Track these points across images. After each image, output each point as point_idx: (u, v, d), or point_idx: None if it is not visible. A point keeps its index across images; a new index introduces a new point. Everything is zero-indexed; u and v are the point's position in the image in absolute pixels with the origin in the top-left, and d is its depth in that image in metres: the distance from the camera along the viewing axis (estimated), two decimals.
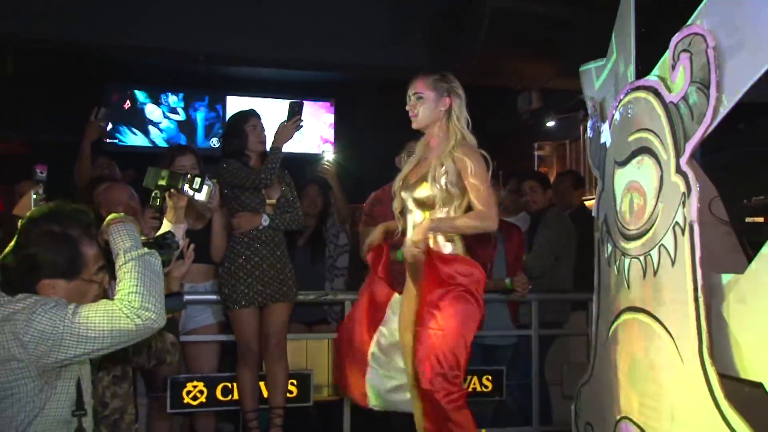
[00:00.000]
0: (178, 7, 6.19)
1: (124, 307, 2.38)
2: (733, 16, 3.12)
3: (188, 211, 4.66)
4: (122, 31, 6.19)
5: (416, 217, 3.80)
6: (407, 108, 3.85)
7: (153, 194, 3.22)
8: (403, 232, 3.93)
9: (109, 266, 2.64)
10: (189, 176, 3.31)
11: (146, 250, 2.56)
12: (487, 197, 3.65)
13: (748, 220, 3.39)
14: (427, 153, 3.86)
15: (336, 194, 5.71)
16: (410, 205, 3.83)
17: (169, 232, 3.09)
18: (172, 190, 3.24)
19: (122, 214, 2.70)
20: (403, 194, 3.86)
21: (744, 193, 3.44)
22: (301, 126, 4.81)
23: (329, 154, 5.83)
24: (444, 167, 3.68)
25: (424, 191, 3.73)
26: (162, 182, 3.23)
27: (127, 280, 2.44)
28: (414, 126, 3.85)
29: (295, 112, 4.78)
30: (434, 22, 6.66)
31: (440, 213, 3.72)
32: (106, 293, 2.66)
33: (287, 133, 4.71)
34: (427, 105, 3.79)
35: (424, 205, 3.75)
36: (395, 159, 5.02)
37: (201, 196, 3.33)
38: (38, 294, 2.48)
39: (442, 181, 3.68)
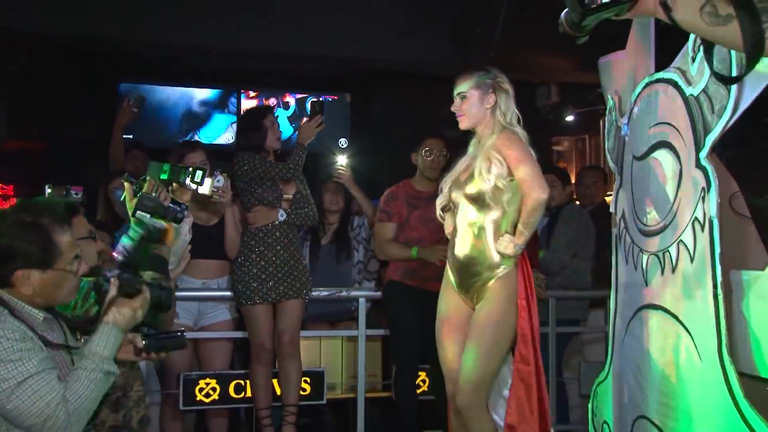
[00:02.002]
0: (191, 2, 6.21)
1: (63, 410, 2.38)
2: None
3: (202, 207, 4.72)
4: (134, 27, 6.21)
5: (469, 215, 3.76)
6: (453, 108, 3.82)
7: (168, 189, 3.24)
8: (452, 231, 3.89)
9: None
10: (191, 169, 3.33)
11: (115, 369, 2.54)
12: (531, 174, 3.64)
13: None
14: (477, 151, 3.80)
15: (358, 198, 5.69)
16: (462, 202, 3.78)
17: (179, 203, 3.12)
18: (174, 184, 3.25)
19: (120, 320, 2.60)
20: (454, 193, 3.82)
21: (766, 188, 3.42)
22: (323, 125, 4.85)
23: (342, 158, 5.78)
24: (491, 162, 3.67)
25: (474, 187, 3.69)
26: (164, 176, 3.24)
27: (83, 388, 2.44)
28: (461, 126, 3.82)
29: (316, 111, 4.86)
30: (452, 16, 6.64)
31: (494, 209, 3.69)
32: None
33: (309, 131, 4.78)
34: (471, 103, 3.76)
35: (476, 201, 3.71)
36: (411, 156, 5.01)
37: (203, 189, 3.36)
38: (14, 287, 2.49)
39: (492, 176, 3.65)
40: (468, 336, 3.72)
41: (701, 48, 3.30)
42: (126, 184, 3.18)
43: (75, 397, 2.41)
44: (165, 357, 3.17)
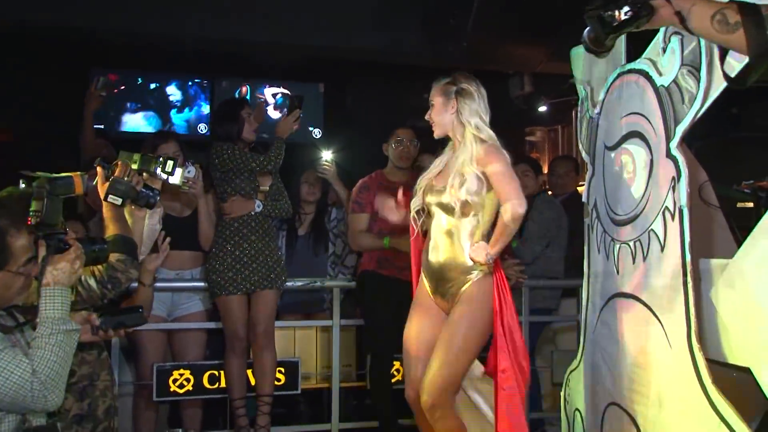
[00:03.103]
0: None
1: (36, 382, 2.37)
2: None
3: (175, 198, 4.71)
4: (106, 14, 6.17)
5: (442, 221, 3.76)
6: (426, 117, 3.86)
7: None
8: (424, 233, 3.92)
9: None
10: (161, 159, 3.34)
11: (73, 325, 2.52)
12: (512, 190, 3.62)
13: (739, 205, 3.40)
14: (452, 162, 3.79)
15: (341, 194, 5.69)
16: (435, 209, 3.80)
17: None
18: (144, 174, 3.24)
19: (60, 276, 2.57)
20: (428, 198, 3.82)
21: (735, 178, 3.46)
22: (300, 119, 4.89)
23: (327, 154, 5.79)
24: (464, 177, 3.67)
25: (446, 197, 3.69)
26: (134, 166, 3.24)
27: (48, 354, 2.42)
28: (434, 135, 3.85)
29: (295, 106, 4.87)
30: (426, 6, 6.66)
31: (466, 218, 3.71)
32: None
33: (288, 125, 4.80)
34: (436, 111, 3.78)
35: (448, 210, 3.72)
36: (383, 146, 5.04)
37: (174, 180, 3.37)
38: None
39: (462, 192, 3.65)
40: (439, 338, 3.74)
41: (671, 38, 3.35)
42: (98, 169, 3.17)
43: (42, 365, 2.39)
44: (123, 335, 3.10)
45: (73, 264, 2.57)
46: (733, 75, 2.75)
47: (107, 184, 3.09)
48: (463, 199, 3.65)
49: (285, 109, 4.97)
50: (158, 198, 3.24)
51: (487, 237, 3.72)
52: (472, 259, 3.69)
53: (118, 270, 3.03)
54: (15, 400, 2.37)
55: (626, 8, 2.19)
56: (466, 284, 3.71)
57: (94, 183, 3.21)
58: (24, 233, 2.53)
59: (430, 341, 3.76)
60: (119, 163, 3.16)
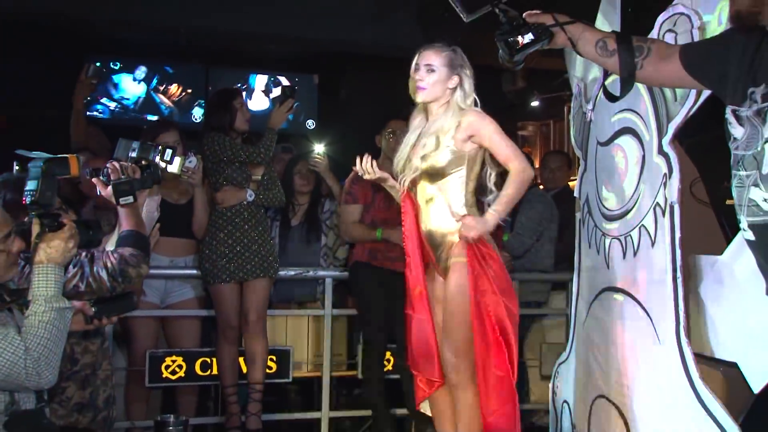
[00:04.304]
0: None
1: (30, 360, 2.38)
2: None
3: (173, 186, 4.71)
4: (101, 2, 6.17)
5: (427, 189, 3.66)
6: (417, 77, 3.64)
7: (139, 162, 3.23)
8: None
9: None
10: (160, 148, 3.33)
11: (66, 303, 2.53)
12: (512, 149, 3.58)
13: (728, 202, 3.43)
14: (428, 127, 3.70)
15: (333, 187, 5.67)
16: (419, 178, 3.68)
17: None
18: (142, 162, 3.24)
19: (54, 254, 2.58)
20: (408, 173, 3.71)
21: (725, 175, 3.49)
22: (294, 109, 4.88)
23: (319, 147, 5.78)
24: (440, 141, 3.60)
25: (433, 160, 3.61)
26: (133, 153, 3.24)
27: (41, 331, 2.43)
28: (419, 99, 3.66)
29: (287, 96, 4.86)
30: (420, 0, 6.67)
31: (451, 181, 3.62)
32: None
33: (280, 116, 4.81)
34: (438, 79, 3.62)
35: (435, 176, 3.63)
36: (376, 138, 5.04)
37: (172, 168, 3.36)
38: None
39: (452, 144, 3.58)
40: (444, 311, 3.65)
41: (665, 36, 3.38)
42: (94, 180, 3.16)
43: (35, 343, 2.40)
44: (115, 322, 3.10)
45: (66, 242, 2.57)
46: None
47: (110, 189, 3.08)
48: (456, 150, 3.59)
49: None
50: (159, 172, 3.24)
51: (474, 195, 3.68)
52: (461, 236, 3.55)
53: (130, 264, 3.00)
54: (9, 377, 2.38)
55: (528, 34, 2.59)
56: (453, 246, 3.61)
57: (89, 172, 3.21)
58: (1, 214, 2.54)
59: None
60: (109, 166, 3.14)
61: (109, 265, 2.96)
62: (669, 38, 3.32)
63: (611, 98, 3.69)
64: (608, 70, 2.78)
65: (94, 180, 3.13)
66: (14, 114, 7.23)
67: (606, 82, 3.78)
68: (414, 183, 3.72)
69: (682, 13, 3.28)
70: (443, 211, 3.64)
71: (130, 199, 2.98)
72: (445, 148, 3.59)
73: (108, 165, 3.13)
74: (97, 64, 5.68)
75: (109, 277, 2.95)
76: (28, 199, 2.61)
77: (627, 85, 2.73)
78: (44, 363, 2.41)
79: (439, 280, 3.71)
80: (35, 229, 2.56)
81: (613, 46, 2.58)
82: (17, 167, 3.59)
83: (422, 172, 3.66)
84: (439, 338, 3.66)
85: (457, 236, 3.58)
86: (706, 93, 3.19)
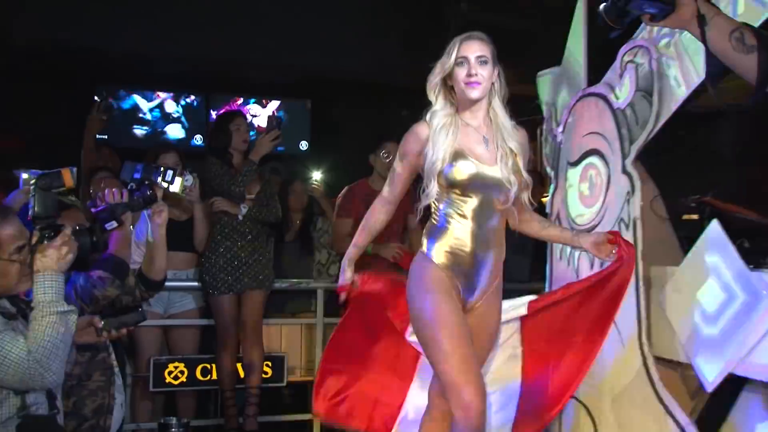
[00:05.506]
0: (163, 14, 6.22)
1: (32, 361, 2.41)
2: (673, 31, 3.24)
3: (175, 203, 4.75)
4: (111, 35, 6.22)
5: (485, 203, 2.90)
6: (472, 72, 2.86)
7: (129, 186, 3.26)
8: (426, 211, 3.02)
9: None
10: (162, 169, 3.37)
11: (67, 307, 2.54)
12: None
13: (684, 217, 3.50)
14: (485, 131, 2.96)
15: (327, 211, 5.70)
16: (476, 186, 2.88)
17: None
18: (146, 182, 3.28)
19: (48, 262, 2.58)
20: (467, 171, 2.87)
21: (682, 192, 3.56)
22: (279, 138, 4.88)
23: (317, 174, 5.78)
24: (515, 154, 2.94)
25: (500, 173, 2.89)
26: (137, 174, 3.29)
27: (41, 335, 2.45)
28: (477, 95, 2.89)
29: (273, 126, 4.86)
30: (405, 28, 6.72)
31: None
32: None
33: (265, 146, 4.79)
34: (489, 73, 2.89)
35: (500, 189, 2.90)
36: (370, 157, 5.04)
37: (174, 188, 3.40)
38: None
39: (516, 165, 2.93)
40: (486, 334, 3.03)
41: (627, 66, 3.46)
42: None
43: (37, 346, 2.42)
44: (126, 333, 3.06)
45: (59, 250, 2.57)
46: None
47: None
48: (522, 179, 2.92)
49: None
50: (154, 191, 3.25)
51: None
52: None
53: (96, 287, 3.04)
54: (16, 377, 2.41)
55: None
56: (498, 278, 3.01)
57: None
58: (12, 223, 2.56)
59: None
60: (99, 194, 3.16)
61: (78, 287, 2.99)
62: (630, 68, 3.41)
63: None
64: (734, 68, 1.96)
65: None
66: (29, 135, 7.22)
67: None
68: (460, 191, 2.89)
69: (642, 46, 3.36)
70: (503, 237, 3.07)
71: (114, 224, 2.97)
72: (515, 171, 2.92)
73: (99, 193, 3.15)
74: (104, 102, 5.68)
75: (77, 298, 2.97)
76: (30, 214, 2.64)
77: (760, 90, 1.98)
78: (46, 364, 2.43)
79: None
80: (35, 240, 2.58)
81: (752, 41, 1.93)
82: (25, 176, 3.60)
83: (490, 180, 2.90)
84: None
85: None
86: (665, 118, 3.28)
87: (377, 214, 3.12)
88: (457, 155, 2.85)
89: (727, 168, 4.56)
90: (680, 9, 1.89)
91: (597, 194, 3.63)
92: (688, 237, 3.18)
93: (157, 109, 7.58)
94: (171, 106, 7.66)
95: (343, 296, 3.19)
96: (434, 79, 2.96)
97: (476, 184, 2.86)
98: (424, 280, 2.87)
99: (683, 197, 3.52)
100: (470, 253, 2.88)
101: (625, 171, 3.44)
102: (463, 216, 2.87)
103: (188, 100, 7.66)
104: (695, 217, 3.39)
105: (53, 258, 2.55)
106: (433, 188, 2.87)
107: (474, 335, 2.84)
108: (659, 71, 3.28)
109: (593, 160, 3.68)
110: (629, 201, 3.39)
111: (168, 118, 7.63)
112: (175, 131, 7.60)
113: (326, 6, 6.48)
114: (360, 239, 3.11)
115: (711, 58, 1.95)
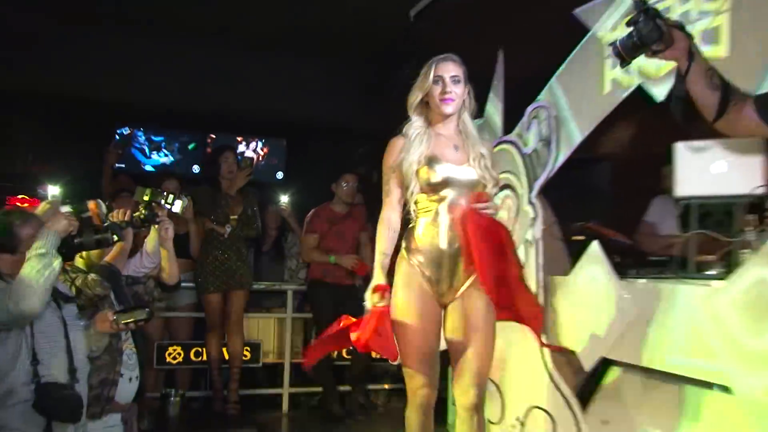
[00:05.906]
0: (170, 68, 6.25)
1: (12, 292, 2.39)
2: (567, 96, 3.41)
3: (175, 220, 4.77)
4: (125, 85, 6.22)
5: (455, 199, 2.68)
6: (447, 90, 2.70)
7: (141, 206, 3.29)
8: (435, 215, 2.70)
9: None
10: (166, 193, 3.42)
11: (45, 251, 2.47)
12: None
13: (574, 238, 3.63)
14: (456, 139, 2.76)
15: (293, 226, 5.69)
16: (450, 185, 2.68)
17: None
18: (153, 204, 3.32)
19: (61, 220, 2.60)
20: (439, 172, 2.67)
21: (572, 219, 3.71)
22: (251, 175, 4.91)
23: (285, 197, 5.75)
24: (485, 155, 2.75)
25: (474, 173, 2.70)
26: (146, 197, 3.33)
27: (24, 270, 2.43)
28: (449, 111, 2.72)
29: (247, 165, 4.90)
30: (362, 86, 6.75)
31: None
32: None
33: (238, 182, 4.82)
34: (463, 91, 2.73)
35: (472, 186, 2.71)
36: (332, 186, 5.06)
37: (175, 209, 3.44)
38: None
39: (486, 166, 2.74)
40: (474, 326, 2.67)
41: (533, 121, 3.59)
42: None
43: (17, 279, 2.43)
44: (135, 326, 2.92)
45: (68, 219, 2.61)
46: None
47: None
48: (488, 175, 2.74)
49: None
50: (158, 214, 3.29)
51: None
52: None
53: (88, 286, 3.00)
54: (2, 307, 2.39)
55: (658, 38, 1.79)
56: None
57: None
58: (32, 226, 2.58)
59: (438, 333, 2.70)
60: (110, 215, 3.13)
61: (78, 282, 3.00)
62: (534, 123, 3.54)
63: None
64: (698, 100, 1.82)
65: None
66: (51, 168, 6.97)
67: None
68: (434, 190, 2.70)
69: (543, 106, 3.52)
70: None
71: (114, 238, 2.90)
72: (485, 171, 2.73)
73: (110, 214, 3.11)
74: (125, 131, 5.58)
75: (77, 290, 2.98)
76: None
77: (715, 122, 1.86)
78: (21, 293, 2.39)
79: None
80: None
81: (717, 81, 1.82)
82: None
83: (462, 181, 2.71)
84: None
85: None
86: (560, 162, 3.42)
87: (392, 222, 2.74)
88: (431, 160, 2.67)
89: (605, 202, 4.75)
90: (676, 44, 1.80)
91: (511, 219, 3.75)
92: (576, 253, 3.29)
93: (164, 143, 7.53)
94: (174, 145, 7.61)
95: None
96: (415, 98, 2.77)
97: (450, 184, 2.67)
98: (400, 277, 2.69)
99: (573, 223, 3.66)
100: (446, 248, 2.64)
101: (530, 202, 3.56)
102: (438, 213, 2.66)
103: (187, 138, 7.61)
104: (581, 238, 3.52)
105: (61, 222, 2.58)
106: (416, 188, 2.68)
107: (465, 319, 2.63)
108: (556, 126, 3.43)
109: (508, 192, 3.77)
110: (533, 225, 3.50)
111: (173, 151, 7.58)
112: (178, 162, 7.53)
113: (301, 67, 6.57)
114: (386, 247, 2.71)
115: (679, 84, 1.84)
